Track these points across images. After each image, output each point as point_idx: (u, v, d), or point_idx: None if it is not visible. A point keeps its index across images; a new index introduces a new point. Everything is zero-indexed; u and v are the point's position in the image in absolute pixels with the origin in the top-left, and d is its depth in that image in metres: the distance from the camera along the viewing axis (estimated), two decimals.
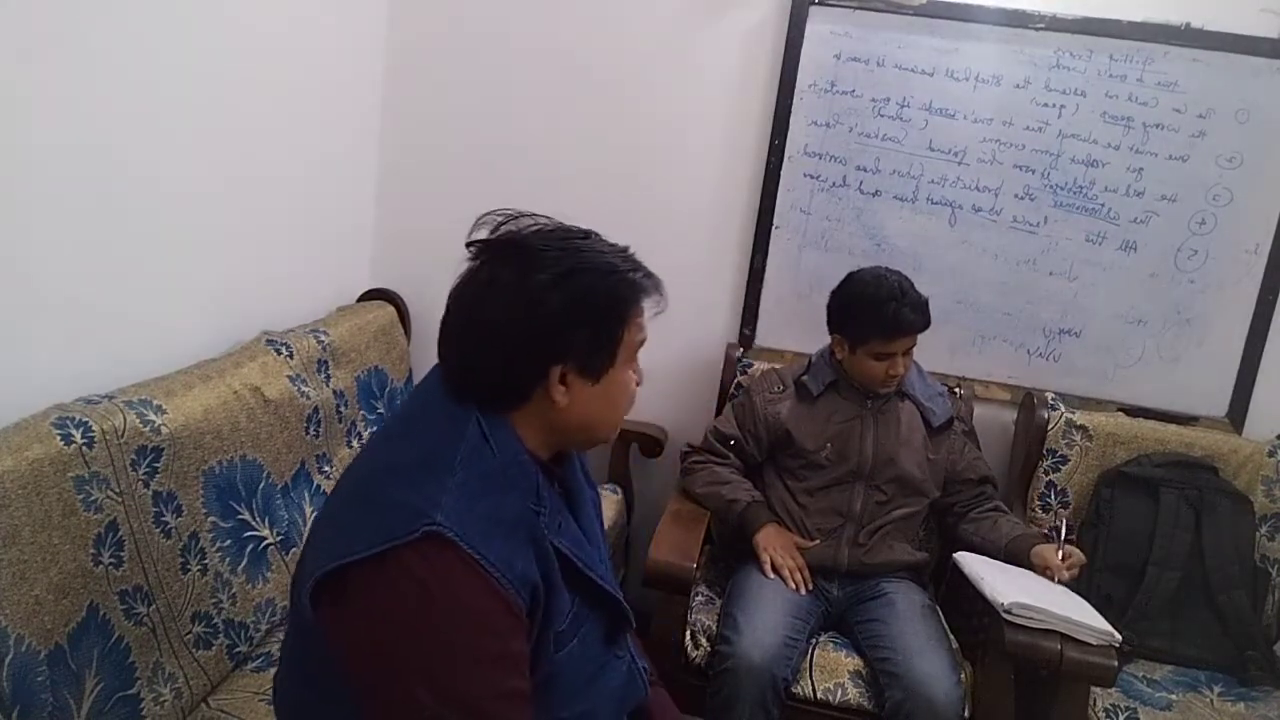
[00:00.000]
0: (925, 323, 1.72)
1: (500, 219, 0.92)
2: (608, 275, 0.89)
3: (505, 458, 0.87)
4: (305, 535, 1.47)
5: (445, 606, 0.78)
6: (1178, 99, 1.96)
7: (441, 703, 0.77)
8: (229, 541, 1.39)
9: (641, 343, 0.96)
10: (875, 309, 1.70)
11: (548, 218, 0.94)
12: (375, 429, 1.85)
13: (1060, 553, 1.63)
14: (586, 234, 0.93)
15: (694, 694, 1.58)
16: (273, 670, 1.41)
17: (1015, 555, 1.69)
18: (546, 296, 0.86)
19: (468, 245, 0.91)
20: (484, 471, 0.85)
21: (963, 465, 1.85)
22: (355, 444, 1.82)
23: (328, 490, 1.66)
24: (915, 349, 1.80)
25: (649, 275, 0.95)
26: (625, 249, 0.95)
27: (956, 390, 1.98)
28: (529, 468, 0.89)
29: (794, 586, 1.69)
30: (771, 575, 1.70)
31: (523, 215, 0.92)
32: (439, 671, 0.78)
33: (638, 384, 0.99)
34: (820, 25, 2.03)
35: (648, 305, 0.94)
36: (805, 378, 1.85)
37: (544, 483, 0.91)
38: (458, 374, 0.90)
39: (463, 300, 0.90)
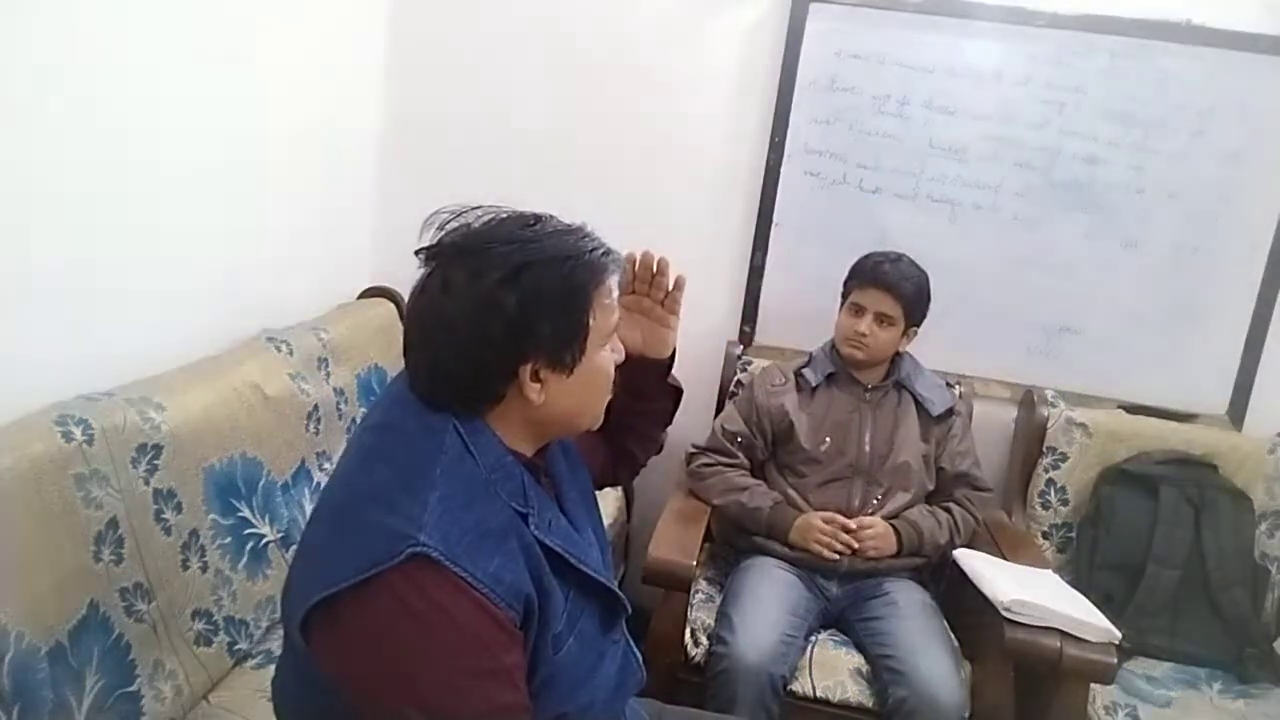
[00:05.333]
0: (901, 287, 1.75)
1: (447, 216, 0.89)
2: (562, 263, 0.86)
3: (489, 463, 0.85)
4: (290, 559, 1.44)
5: (434, 627, 0.77)
6: (1179, 96, 1.95)
7: None
8: (229, 539, 1.39)
9: (616, 325, 0.93)
10: (864, 260, 1.83)
11: (496, 207, 0.90)
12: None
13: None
14: (537, 219, 0.90)
15: (695, 691, 1.59)
16: (273, 667, 1.42)
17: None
18: (501, 296, 0.83)
19: (416, 253, 0.88)
20: (467, 482, 0.83)
21: (944, 456, 1.84)
22: None
23: None
24: (913, 345, 1.83)
25: (607, 252, 0.90)
26: (581, 228, 0.91)
27: (956, 388, 1.98)
28: (514, 469, 0.88)
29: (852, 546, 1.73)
30: (836, 556, 1.72)
31: (469, 210, 0.89)
32: (432, 694, 0.77)
33: (618, 363, 0.96)
34: (820, 22, 2.02)
35: (610, 284, 0.90)
36: (805, 369, 1.86)
37: (530, 481, 0.89)
38: (428, 381, 0.87)
39: (420, 308, 0.88)
